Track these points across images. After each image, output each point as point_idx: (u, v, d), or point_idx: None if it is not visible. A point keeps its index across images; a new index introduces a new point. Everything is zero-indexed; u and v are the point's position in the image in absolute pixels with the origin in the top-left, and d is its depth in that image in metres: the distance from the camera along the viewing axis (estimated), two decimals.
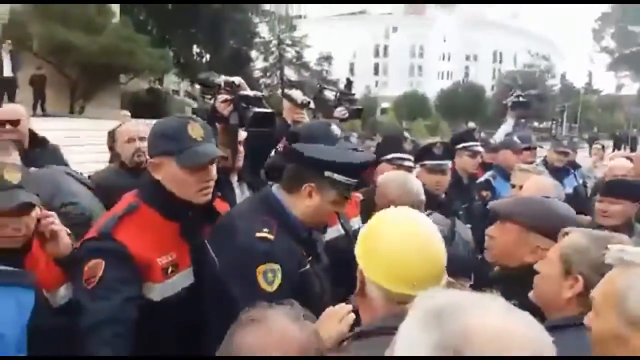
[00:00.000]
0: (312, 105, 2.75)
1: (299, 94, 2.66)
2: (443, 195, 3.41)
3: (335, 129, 2.49)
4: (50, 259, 1.90)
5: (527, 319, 0.69)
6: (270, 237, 1.73)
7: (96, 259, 1.73)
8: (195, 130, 1.80)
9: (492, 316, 0.66)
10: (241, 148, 2.53)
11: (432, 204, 2.91)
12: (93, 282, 1.70)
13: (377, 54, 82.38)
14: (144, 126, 3.47)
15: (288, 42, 49.07)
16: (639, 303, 1.05)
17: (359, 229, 2.71)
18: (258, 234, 1.73)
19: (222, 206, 2.09)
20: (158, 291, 1.76)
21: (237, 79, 2.40)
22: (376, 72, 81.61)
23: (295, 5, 50.16)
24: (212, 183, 1.87)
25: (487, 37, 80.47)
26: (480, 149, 4.39)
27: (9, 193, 1.78)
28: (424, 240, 1.34)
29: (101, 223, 1.83)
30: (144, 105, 22.43)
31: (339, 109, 3.37)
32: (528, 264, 1.86)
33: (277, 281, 1.67)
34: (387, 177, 2.80)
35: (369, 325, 1.37)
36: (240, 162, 2.52)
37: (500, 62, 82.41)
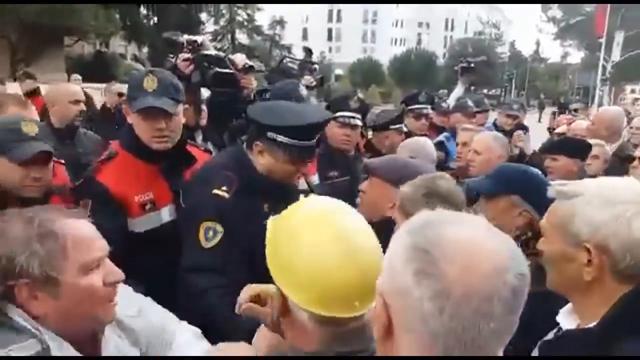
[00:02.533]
0: (258, 68, 2.74)
1: (242, 58, 2.64)
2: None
3: (303, 89, 2.55)
4: None
5: (500, 236, 0.77)
6: (225, 195, 1.81)
7: (85, 199, 1.92)
8: (149, 82, 1.93)
9: (466, 229, 0.76)
10: (204, 107, 2.57)
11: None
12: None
13: (330, 19, 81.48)
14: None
15: (239, 4, 47.84)
16: (580, 226, 1.20)
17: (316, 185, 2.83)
18: (215, 191, 1.81)
19: (203, 156, 2.20)
20: (138, 224, 1.94)
21: (201, 38, 2.43)
22: (329, 38, 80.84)
23: None
24: (165, 133, 1.97)
25: (439, 4, 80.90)
26: (428, 111, 4.48)
27: (28, 144, 1.88)
28: (359, 244, 1.00)
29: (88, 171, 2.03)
30: (90, 69, 21.53)
31: (306, 77, 3.41)
32: (387, 218, 1.92)
33: (215, 240, 1.78)
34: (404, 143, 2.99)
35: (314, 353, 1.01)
36: (204, 121, 2.56)
37: (452, 29, 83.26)
